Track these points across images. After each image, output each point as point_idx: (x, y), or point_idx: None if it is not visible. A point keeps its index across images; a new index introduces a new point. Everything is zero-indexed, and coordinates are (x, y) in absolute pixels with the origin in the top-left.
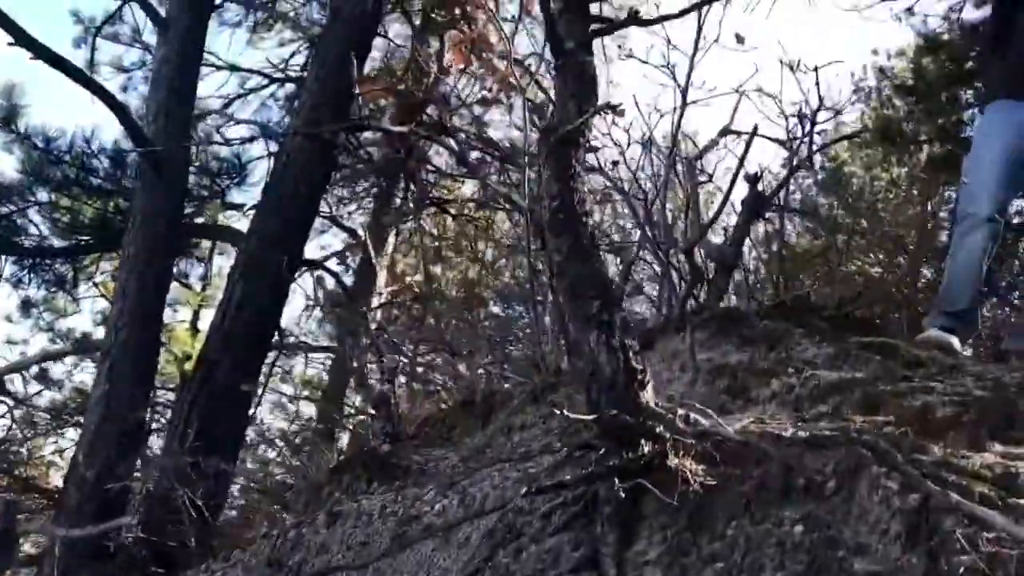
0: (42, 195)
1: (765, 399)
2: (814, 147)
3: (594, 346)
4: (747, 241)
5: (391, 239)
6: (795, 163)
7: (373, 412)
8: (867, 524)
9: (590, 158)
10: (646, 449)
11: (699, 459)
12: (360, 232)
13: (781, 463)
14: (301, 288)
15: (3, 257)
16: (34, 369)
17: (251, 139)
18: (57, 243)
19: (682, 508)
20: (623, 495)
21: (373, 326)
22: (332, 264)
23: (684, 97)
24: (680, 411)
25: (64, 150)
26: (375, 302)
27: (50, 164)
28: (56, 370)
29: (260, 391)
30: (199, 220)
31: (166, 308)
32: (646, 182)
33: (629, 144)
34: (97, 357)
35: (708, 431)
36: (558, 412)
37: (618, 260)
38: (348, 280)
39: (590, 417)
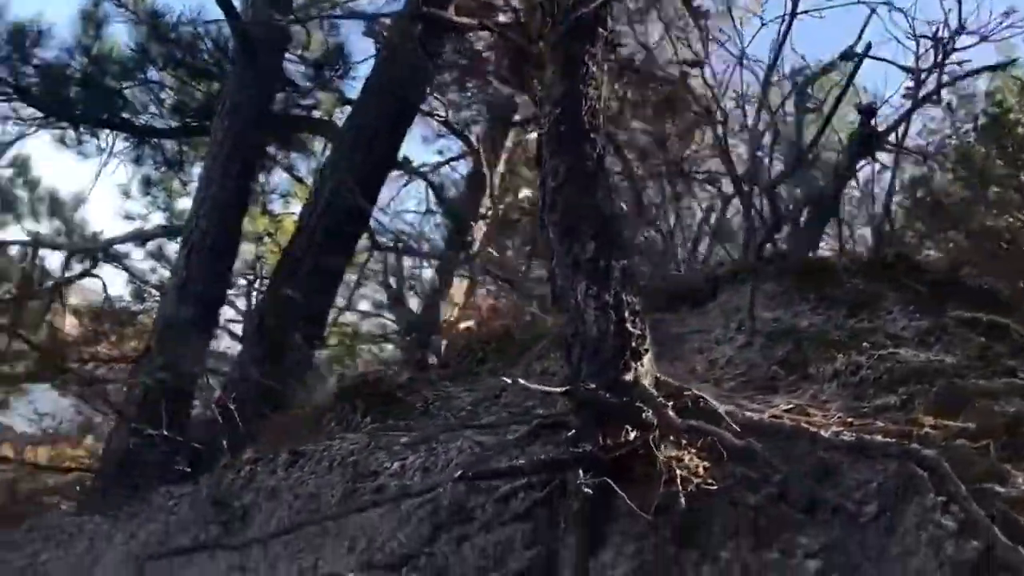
0: (152, 74)
1: (825, 378)
2: (946, 77)
3: (581, 298)
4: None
5: (506, 147)
6: (921, 95)
7: (406, 334)
8: (906, 570)
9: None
10: (631, 436)
11: (702, 454)
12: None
13: (809, 471)
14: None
15: (114, 133)
16: (150, 245)
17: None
18: (164, 124)
19: (666, 516)
20: (590, 490)
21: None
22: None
23: (794, 5)
24: (691, 393)
25: (170, 27)
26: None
27: (157, 41)
28: (171, 249)
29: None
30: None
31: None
32: (733, 101)
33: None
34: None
35: (703, 428)
36: (508, 381)
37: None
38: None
39: (558, 389)
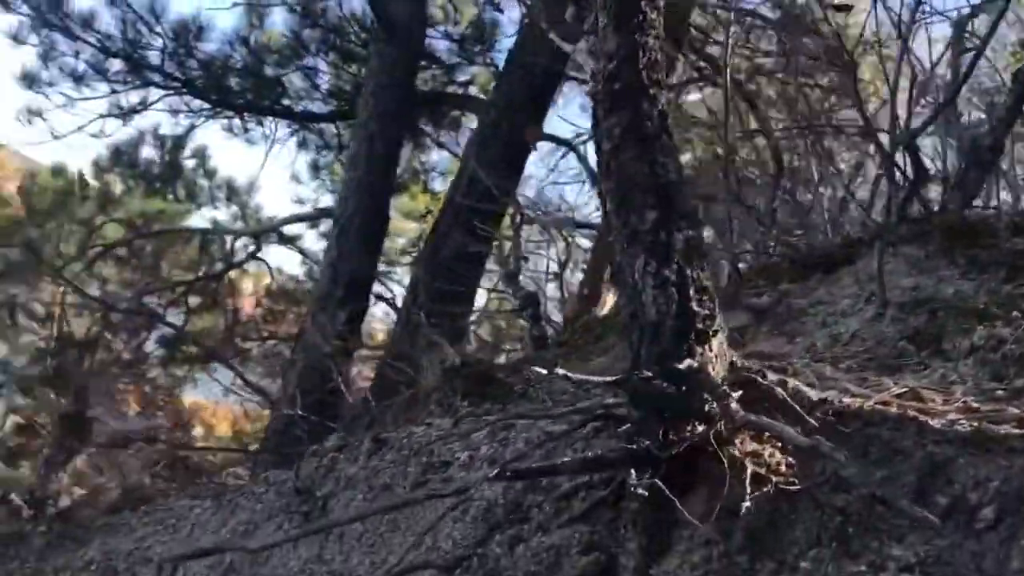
0: (308, 60)
1: (960, 354)
2: None
3: (639, 276)
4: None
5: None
6: None
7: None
8: None
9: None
10: (699, 429)
11: (787, 449)
12: None
13: (918, 468)
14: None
15: (276, 120)
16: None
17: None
18: (321, 108)
19: (739, 520)
20: (644, 491)
21: None
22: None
23: None
24: (772, 377)
25: (317, 13)
26: None
27: (310, 27)
28: None
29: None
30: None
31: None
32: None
33: None
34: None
35: (762, 423)
36: (543, 372)
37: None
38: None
39: (609, 378)
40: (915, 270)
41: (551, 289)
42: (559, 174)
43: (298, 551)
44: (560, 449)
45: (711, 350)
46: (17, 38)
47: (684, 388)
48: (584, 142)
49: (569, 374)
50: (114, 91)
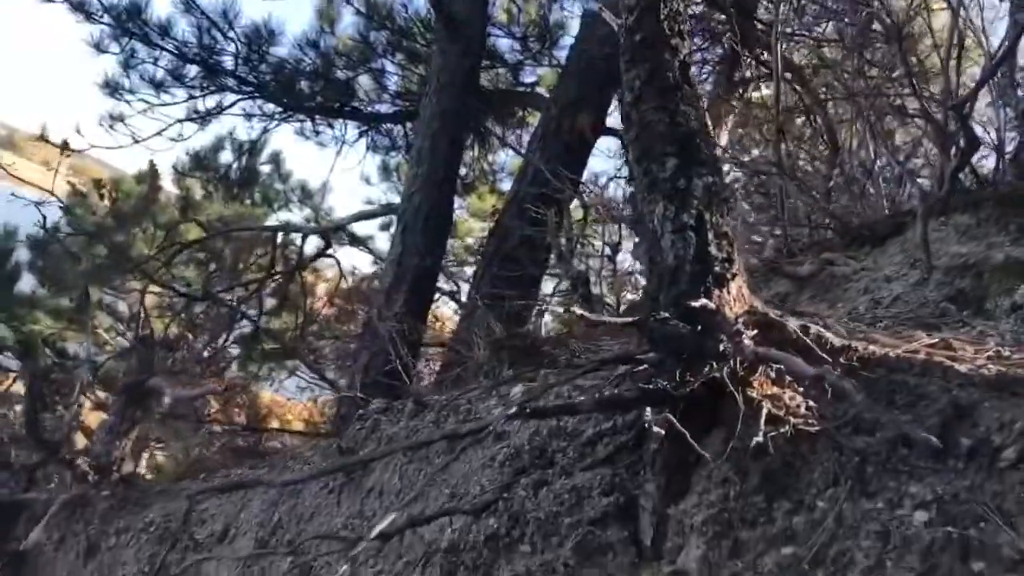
0: (376, 62)
1: (1002, 312)
2: None
3: (658, 222)
4: None
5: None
6: None
7: (572, 289)
8: None
9: None
10: (715, 369)
11: (808, 391)
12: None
13: (942, 411)
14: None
15: (345, 122)
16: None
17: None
18: (389, 109)
19: (756, 461)
20: (663, 430)
21: None
22: None
23: None
24: (793, 322)
25: (384, 15)
26: None
27: (374, 29)
28: None
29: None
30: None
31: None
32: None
33: None
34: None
35: (771, 356)
36: (577, 312)
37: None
38: None
39: (627, 320)
40: (964, 238)
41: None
42: (624, 169)
43: (340, 508)
44: (585, 394)
45: (728, 293)
46: (99, 47)
47: (699, 328)
48: None
49: (587, 315)
50: (191, 96)
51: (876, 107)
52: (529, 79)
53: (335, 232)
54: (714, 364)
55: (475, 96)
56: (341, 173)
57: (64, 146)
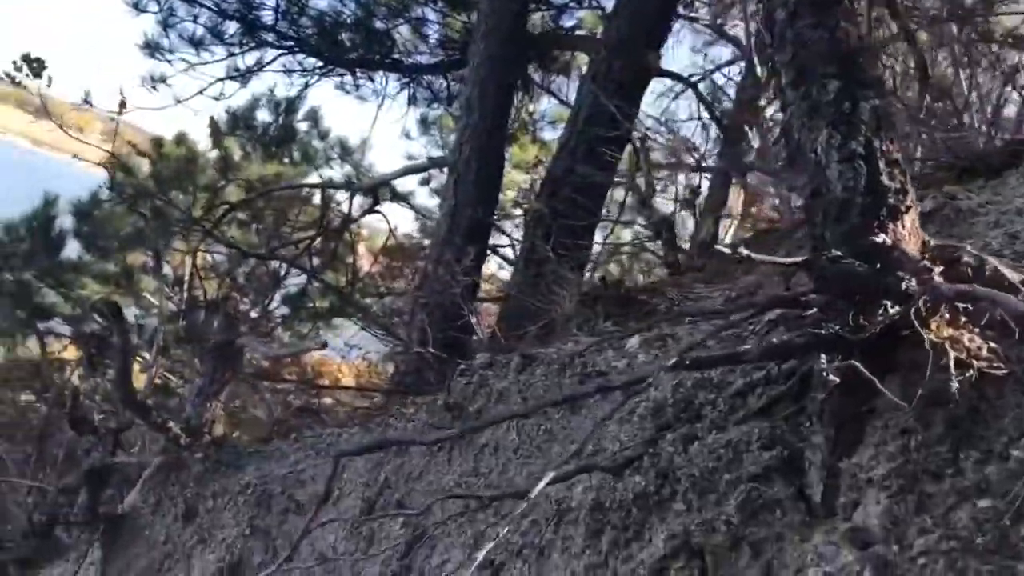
0: (417, 10)
1: None
2: None
3: (822, 151)
4: None
5: None
6: None
7: (656, 236)
8: None
9: None
10: (889, 311)
11: (989, 332)
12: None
13: None
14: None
15: (386, 74)
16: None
17: None
18: (430, 60)
19: (938, 408)
20: (836, 378)
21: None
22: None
23: None
24: (969, 257)
25: None
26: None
27: None
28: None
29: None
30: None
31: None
32: None
33: None
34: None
35: (978, 293)
36: (742, 254)
37: None
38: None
39: (794, 260)
40: None
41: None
42: (673, 114)
43: (452, 465)
44: (731, 347)
45: (904, 227)
46: (138, 6)
47: (878, 266)
48: (700, 80)
49: (753, 254)
50: (231, 54)
51: (971, 33)
52: (568, 23)
53: (380, 188)
54: (894, 306)
55: (522, 41)
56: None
57: (122, 105)
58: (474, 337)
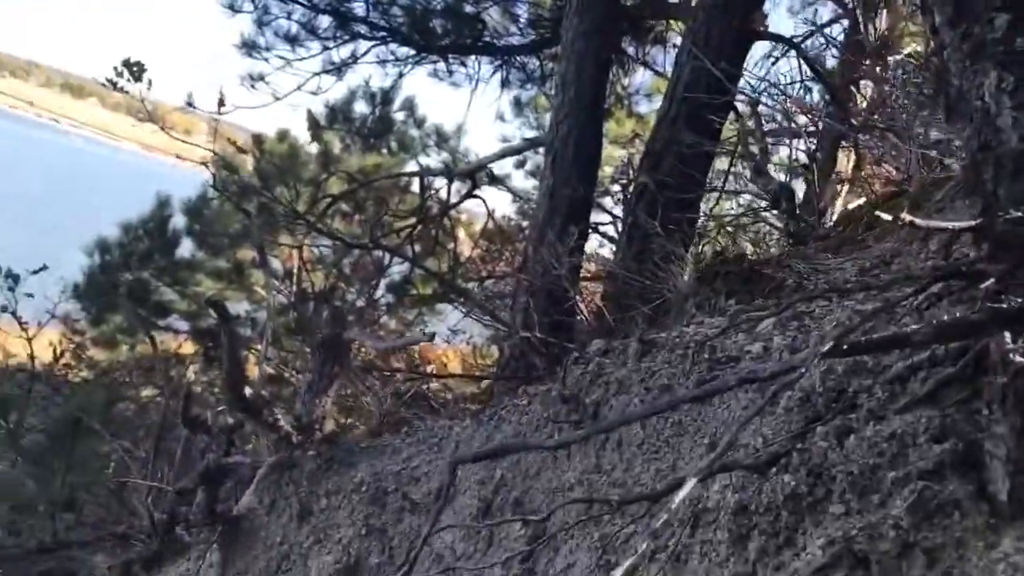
0: None
1: None
2: None
3: (991, 97)
4: None
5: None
6: None
7: (771, 206)
8: None
9: None
10: None
11: None
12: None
13: None
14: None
15: (478, 58)
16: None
17: None
18: (522, 41)
19: None
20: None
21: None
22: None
23: None
24: None
25: None
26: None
27: None
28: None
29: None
30: None
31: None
32: None
33: None
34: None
35: None
36: (906, 219)
37: None
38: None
39: (966, 224)
40: None
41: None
42: (774, 77)
43: (573, 462)
44: (882, 327)
45: None
46: (233, 7)
47: None
48: (803, 40)
49: (916, 220)
50: (326, 48)
51: None
52: None
53: (478, 173)
54: None
55: (616, 13)
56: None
57: (220, 104)
58: (578, 317)
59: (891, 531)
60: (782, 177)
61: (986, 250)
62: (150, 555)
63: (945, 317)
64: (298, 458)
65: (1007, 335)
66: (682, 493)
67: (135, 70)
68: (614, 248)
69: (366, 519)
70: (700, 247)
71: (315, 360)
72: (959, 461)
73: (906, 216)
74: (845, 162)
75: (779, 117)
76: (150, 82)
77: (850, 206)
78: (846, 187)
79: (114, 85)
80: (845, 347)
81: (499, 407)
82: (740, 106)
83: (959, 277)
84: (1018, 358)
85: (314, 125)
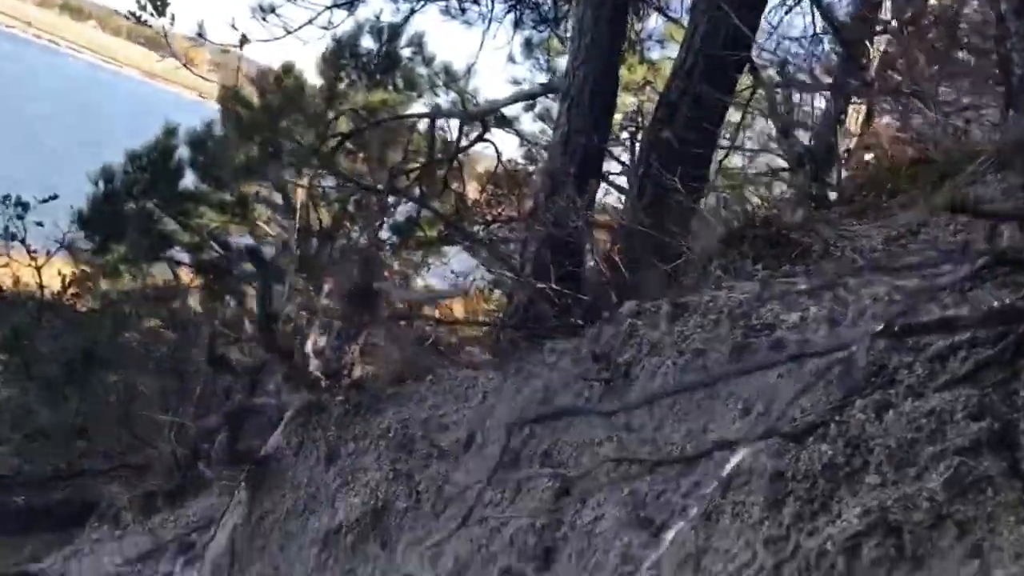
0: None
1: None
2: None
3: None
4: None
5: None
6: None
7: (793, 168)
8: None
9: None
10: None
11: None
12: None
13: None
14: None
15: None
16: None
17: None
18: None
19: None
20: None
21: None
22: None
23: None
24: None
25: None
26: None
27: None
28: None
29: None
30: None
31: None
32: None
33: None
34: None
35: None
36: (956, 203)
37: None
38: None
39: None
40: None
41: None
42: (787, 29)
43: (600, 418)
44: (923, 305)
45: None
46: None
47: None
48: None
49: (987, 208)
50: None
51: None
52: None
53: (490, 115)
54: None
55: None
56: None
57: (243, 41)
58: (589, 267)
59: (925, 503)
60: (805, 139)
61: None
62: (172, 488)
63: (991, 299)
64: (326, 402)
65: None
66: (733, 462)
67: (158, 4)
68: (623, 198)
69: (393, 464)
70: (727, 207)
71: (344, 308)
72: (995, 440)
73: (962, 203)
74: (855, 118)
75: (802, 76)
76: (173, 17)
77: (866, 161)
78: (854, 141)
79: (137, 18)
80: (896, 329)
81: (523, 360)
82: (758, 60)
83: (1011, 263)
84: None
85: (325, 60)
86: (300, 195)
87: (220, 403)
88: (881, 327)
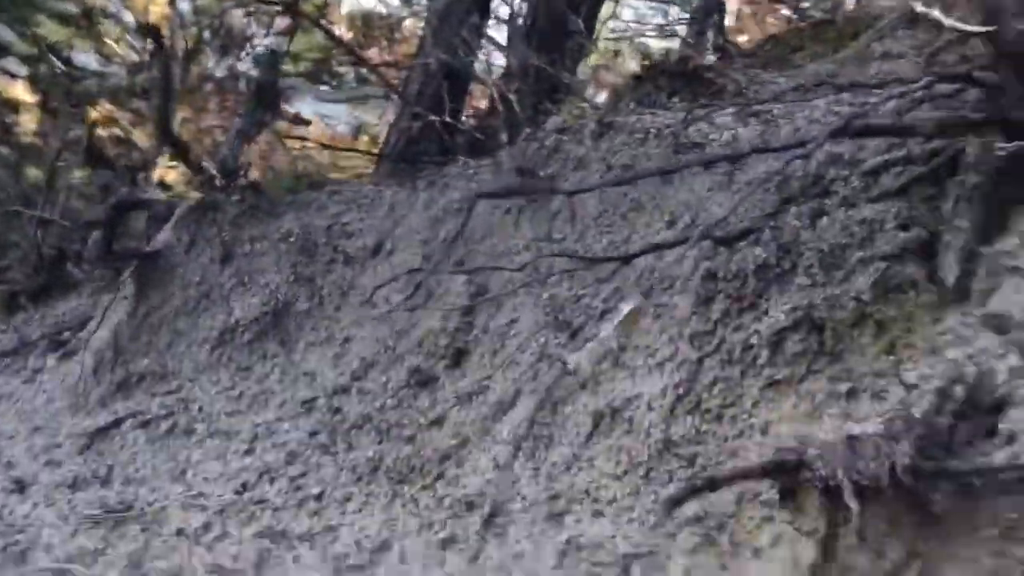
0: None
1: None
2: None
3: None
4: None
5: None
6: None
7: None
8: None
9: None
10: None
11: None
12: None
13: None
14: None
15: None
16: None
17: None
18: None
19: None
20: (998, 158)
21: None
22: None
23: None
24: None
25: None
26: None
27: None
28: None
29: None
30: None
31: None
32: None
33: None
34: None
35: None
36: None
37: None
38: None
39: (978, 29)
40: None
41: None
42: None
43: (520, 230)
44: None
45: None
46: None
47: None
48: None
49: (928, 11)
50: None
51: None
52: None
53: None
54: None
55: None
56: None
57: None
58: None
59: (851, 303)
60: None
61: (992, 56)
62: (35, 288)
63: (944, 113)
64: (221, 201)
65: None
66: (669, 257)
67: None
68: (508, 33)
69: (294, 267)
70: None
71: (247, 106)
72: (919, 248)
73: (918, 6)
74: None
75: None
76: None
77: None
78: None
79: None
80: (853, 128)
81: (436, 175)
82: None
83: (955, 81)
84: (998, 152)
85: None
86: (152, 13)
87: (97, 201)
88: (836, 127)
